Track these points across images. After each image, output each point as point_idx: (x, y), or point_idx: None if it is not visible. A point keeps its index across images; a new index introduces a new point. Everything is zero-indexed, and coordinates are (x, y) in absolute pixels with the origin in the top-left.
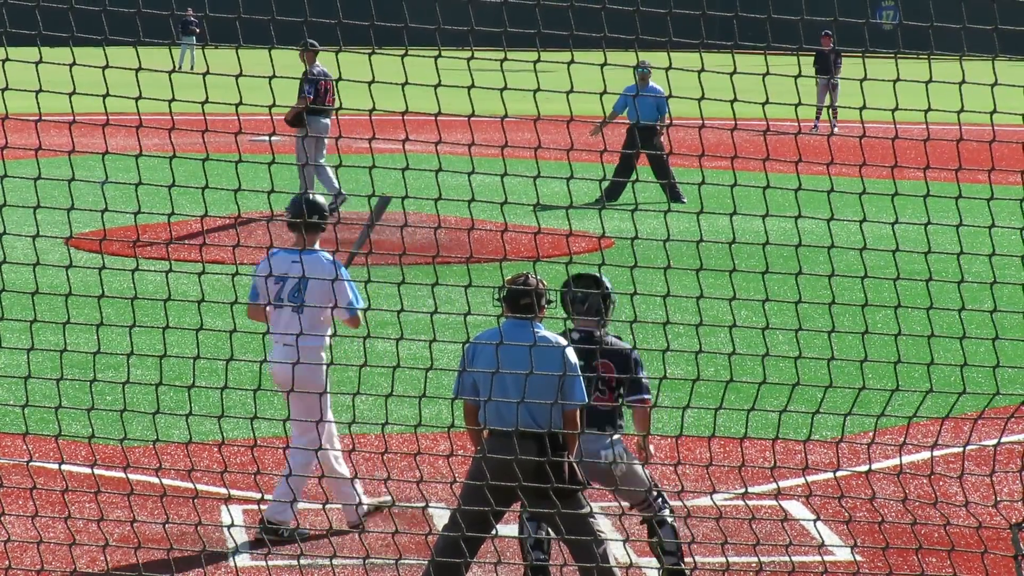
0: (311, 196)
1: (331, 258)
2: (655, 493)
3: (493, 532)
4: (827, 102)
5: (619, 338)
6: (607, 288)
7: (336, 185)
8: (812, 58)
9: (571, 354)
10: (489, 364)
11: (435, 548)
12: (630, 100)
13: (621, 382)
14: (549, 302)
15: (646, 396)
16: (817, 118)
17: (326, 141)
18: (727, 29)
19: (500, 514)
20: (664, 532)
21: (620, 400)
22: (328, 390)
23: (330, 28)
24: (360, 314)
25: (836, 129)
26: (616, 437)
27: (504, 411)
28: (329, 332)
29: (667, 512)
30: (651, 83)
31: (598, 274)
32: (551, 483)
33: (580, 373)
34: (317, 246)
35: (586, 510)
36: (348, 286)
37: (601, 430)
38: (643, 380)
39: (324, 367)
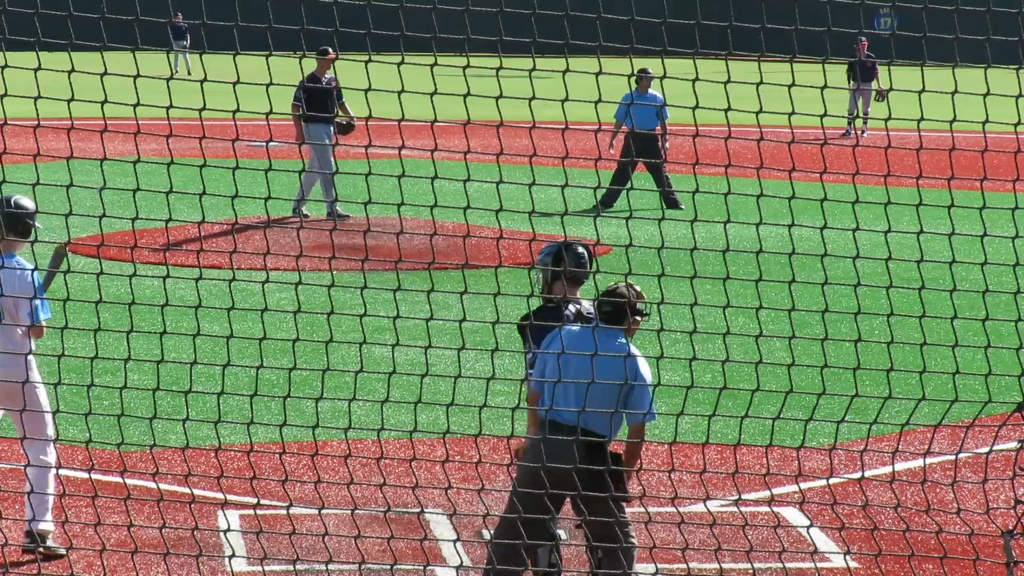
0: (13, 199)
1: (28, 265)
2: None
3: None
4: (859, 110)
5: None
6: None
7: (305, 196)
8: (846, 66)
9: (645, 367)
10: (563, 362)
11: (496, 533)
12: (629, 108)
13: None
14: (644, 315)
15: None
16: (849, 125)
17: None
18: (725, 37)
19: (557, 502)
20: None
21: None
22: (48, 406)
23: (326, 35)
24: (43, 324)
25: (866, 134)
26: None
27: (567, 409)
28: (31, 343)
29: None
30: (650, 90)
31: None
32: (600, 487)
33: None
34: (16, 252)
35: (626, 518)
36: (36, 292)
37: None
38: None
39: (36, 379)
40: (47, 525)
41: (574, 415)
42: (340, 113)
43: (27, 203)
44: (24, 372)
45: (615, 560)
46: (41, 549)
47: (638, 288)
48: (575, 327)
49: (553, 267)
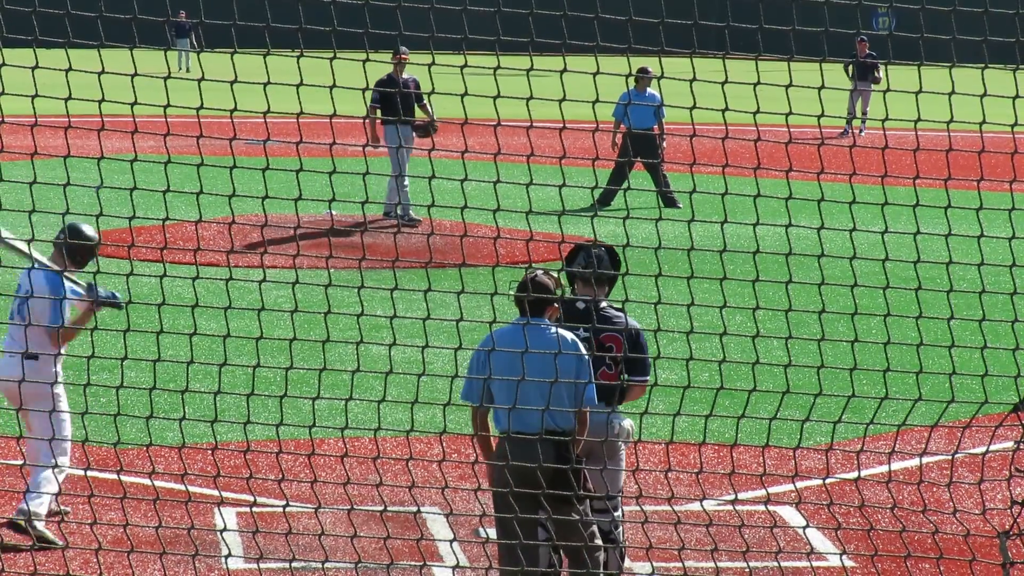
0: (82, 230)
1: (55, 267)
2: (617, 503)
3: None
4: (857, 110)
5: (621, 310)
6: (616, 259)
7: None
8: (845, 63)
9: (582, 348)
10: (505, 367)
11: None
12: (627, 107)
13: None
14: (555, 299)
15: (647, 378)
16: (848, 124)
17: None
18: (722, 37)
19: (536, 509)
20: (611, 555)
21: (623, 377)
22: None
23: (324, 35)
24: (58, 333)
25: (864, 133)
26: (621, 412)
27: (524, 413)
28: (50, 349)
29: (620, 531)
30: (649, 90)
31: (610, 245)
32: (569, 485)
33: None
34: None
35: (588, 517)
36: (53, 304)
37: (608, 404)
38: (647, 360)
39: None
40: (39, 509)
41: (538, 421)
42: (422, 114)
43: (92, 233)
44: (51, 375)
45: (582, 560)
46: (30, 530)
47: (553, 274)
48: (500, 329)
49: (572, 268)
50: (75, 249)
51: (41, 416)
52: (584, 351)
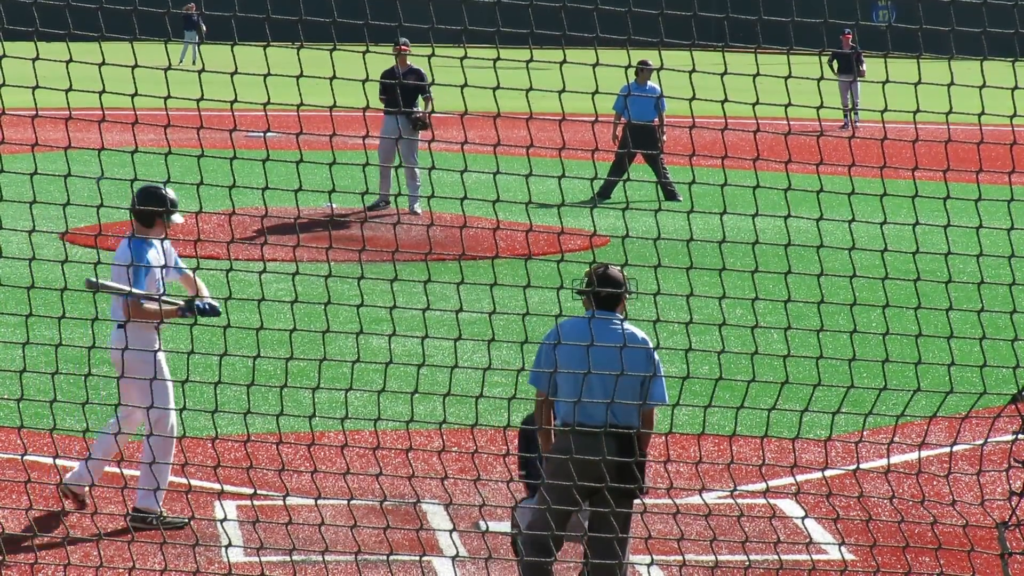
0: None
1: (126, 240)
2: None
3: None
4: (849, 101)
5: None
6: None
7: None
8: (828, 57)
9: (656, 353)
10: (572, 358)
11: (524, 543)
12: (627, 99)
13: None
14: (631, 293)
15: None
16: (846, 117)
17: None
18: (722, 29)
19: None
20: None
21: None
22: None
23: (324, 27)
24: (130, 302)
25: (858, 125)
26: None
27: (589, 407)
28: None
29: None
30: (649, 83)
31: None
32: (632, 480)
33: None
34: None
35: (638, 510)
36: (131, 270)
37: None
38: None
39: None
40: (150, 503)
41: (603, 414)
42: (424, 107)
43: (163, 195)
44: (124, 343)
45: (612, 551)
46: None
47: (617, 267)
48: (571, 320)
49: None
50: (142, 213)
51: (132, 385)
52: (652, 347)
